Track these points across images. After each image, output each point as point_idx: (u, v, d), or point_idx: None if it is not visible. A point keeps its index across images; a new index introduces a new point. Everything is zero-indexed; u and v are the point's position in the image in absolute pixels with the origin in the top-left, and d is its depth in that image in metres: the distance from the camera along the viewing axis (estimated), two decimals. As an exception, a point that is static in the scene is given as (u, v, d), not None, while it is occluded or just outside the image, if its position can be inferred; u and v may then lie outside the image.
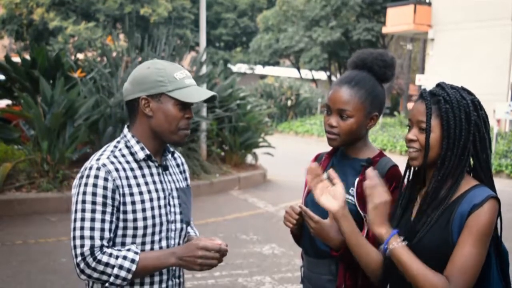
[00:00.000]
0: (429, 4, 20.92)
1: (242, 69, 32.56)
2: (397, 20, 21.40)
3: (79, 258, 1.77)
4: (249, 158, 10.51)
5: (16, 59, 8.44)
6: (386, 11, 23.04)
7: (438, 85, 1.78)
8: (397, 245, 1.68)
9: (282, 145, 13.07)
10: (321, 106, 22.21)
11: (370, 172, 1.78)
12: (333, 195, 1.81)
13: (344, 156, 2.09)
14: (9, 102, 8.53)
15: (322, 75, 33.12)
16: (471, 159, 1.76)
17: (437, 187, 1.73)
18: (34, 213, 6.68)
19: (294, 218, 2.01)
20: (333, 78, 29.90)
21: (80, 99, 7.50)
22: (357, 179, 2.00)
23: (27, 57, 8.26)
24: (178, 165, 2.09)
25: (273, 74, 30.57)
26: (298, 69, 32.57)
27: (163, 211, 1.91)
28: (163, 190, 1.93)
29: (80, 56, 11.09)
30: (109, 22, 25.26)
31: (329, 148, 2.16)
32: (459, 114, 1.69)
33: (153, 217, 1.88)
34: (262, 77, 29.38)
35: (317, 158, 2.23)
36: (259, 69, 33.31)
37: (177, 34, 25.24)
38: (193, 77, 8.23)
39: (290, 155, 12.80)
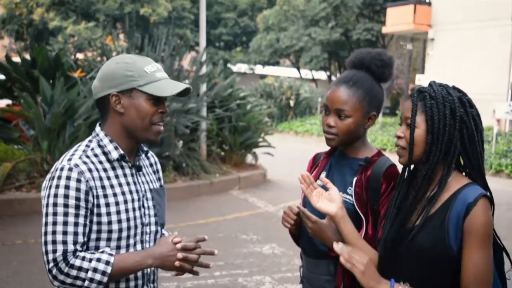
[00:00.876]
0: (429, 4, 20.91)
1: (242, 69, 32.56)
2: (397, 20, 21.40)
3: (51, 264, 1.68)
4: (249, 158, 10.51)
5: (16, 59, 8.45)
6: (386, 11, 23.04)
7: (429, 84, 1.79)
8: None
9: (282, 145, 13.07)
10: (321, 106, 22.23)
11: (337, 248, 1.74)
12: (329, 199, 1.84)
13: (342, 155, 2.09)
14: (9, 102, 8.54)
15: (322, 75, 33.12)
16: (461, 158, 1.77)
17: (423, 184, 1.74)
18: (34, 213, 6.67)
19: (292, 218, 2.01)
20: (333, 78, 29.89)
21: (80, 99, 7.51)
22: (355, 179, 2.00)
23: (27, 57, 8.26)
24: (151, 165, 2.01)
25: (273, 74, 30.57)
26: (298, 69, 32.57)
27: (137, 213, 1.84)
28: (137, 191, 1.86)
29: (80, 56, 11.10)
30: (109, 22, 25.27)
31: (327, 148, 2.16)
32: (443, 109, 1.69)
33: (128, 219, 1.80)
34: (262, 77, 29.38)
35: (316, 158, 2.23)
36: (259, 69, 33.31)
37: (177, 34, 25.24)
38: (193, 77, 8.17)
39: (290, 155, 12.79)
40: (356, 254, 1.72)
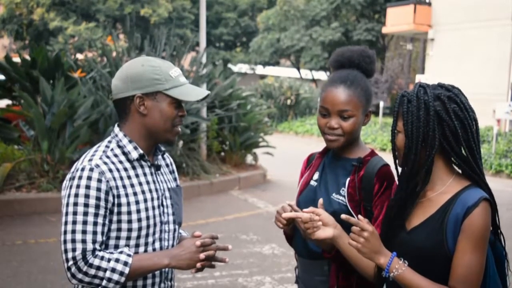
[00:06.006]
0: (429, 4, 20.89)
1: (243, 69, 32.55)
2: (397, 20, 21.39)
3: (71, 262, 1.72)
4: (249, 158, 10.51)
5: (16, 59, 8.44)
6: (386, 11, 23.03)
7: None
8: (401, 270, 1.67)
9: (282, 145, 13.06)
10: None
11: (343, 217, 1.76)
12: (323, 223, 1.82)
13: (336, 156, 2.08)
14: (9, 102, 8.53)
15: (322, 75, 33.11)
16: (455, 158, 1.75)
17: (406, 184, 1.74)
18: (34, 213, 6.68)
19: (284, 218, 1.98)
20: (333, 78, 29.73)
21: (80, 98, 7.50)
22: (348, 179, 1.99)
23: (27, 57, 8.26)
24: (167, 165, 2.05)
25: (273, 74, 30.54)
26: (298, 69, 32.56)
27: (156, 212, 1.87)
28: (156, 190, 1.89)
29: (80, 56, 11.10)
30: (109, 23, 25.27)
31: (321, 148, 2.16)
32: (417, 111, 1.69)
33: (148, 218, 1.83)
34: (262, 77, 29.35)
35: (310, 158, 2.23)
36: (260, 69, 33.30)
37: (177, 34, 25.24)
38: (193, 77, 8.20)
39: (290, 155, 12.78)
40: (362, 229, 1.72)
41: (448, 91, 1.72)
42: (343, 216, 1.75)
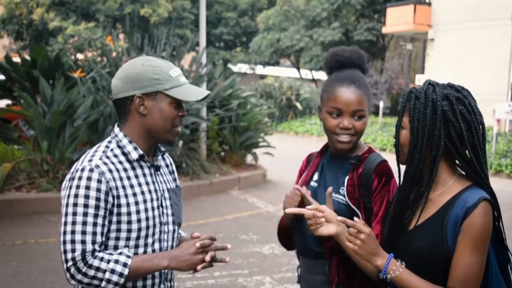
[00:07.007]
0: (429, 4, 20.89)
1: (243, 69, 32.55)
2: (397, 20, 21.39)
3: (70, 263, 1.71)
4: (249, 158, 10.51)
5: (16, 59, 8.44)
6: (386, 11, 23.03)
7: (423, 83, 1.78)
8: (398, 272, 1.67)
9: (282, 145, 13.06)
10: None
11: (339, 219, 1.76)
12: (326, 220, 1.81)
13: (334, 155, 2.08)
14: (9, 102, 8.53)
15: (322, 75, 33.12)
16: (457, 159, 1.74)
17: (408, 184, 1.73)
18: (34, 213, 6.68)
19: (296, 199, 1.96)
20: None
21: (80, 98, 7.50)
22: (347, 178, 1.99)
23: (27, 57, 8.25)
24: (167, 165, 2.05)
25: (273, 74, 30.54)
26: (298, 69, 32.57)
27: (156, 212, 1.86)
28: (156, 191, 1.88)
29: (80, 56, 11.09)
30: (109, 23, 25.27)
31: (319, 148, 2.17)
32: (424, 109, 1.67)
33: (147, 219, 1.82)
34: (262, 77, 29.36)
35: (309, 158, 2.23)
36: (260, 69, 33.30)
37: (177, 34, 25.25)
38: (193, 77, 8.17)
39: (290, 155, 12.78)
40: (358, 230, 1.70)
41: (458, 92, 1.70)
42: (339, 218, 1.75)
